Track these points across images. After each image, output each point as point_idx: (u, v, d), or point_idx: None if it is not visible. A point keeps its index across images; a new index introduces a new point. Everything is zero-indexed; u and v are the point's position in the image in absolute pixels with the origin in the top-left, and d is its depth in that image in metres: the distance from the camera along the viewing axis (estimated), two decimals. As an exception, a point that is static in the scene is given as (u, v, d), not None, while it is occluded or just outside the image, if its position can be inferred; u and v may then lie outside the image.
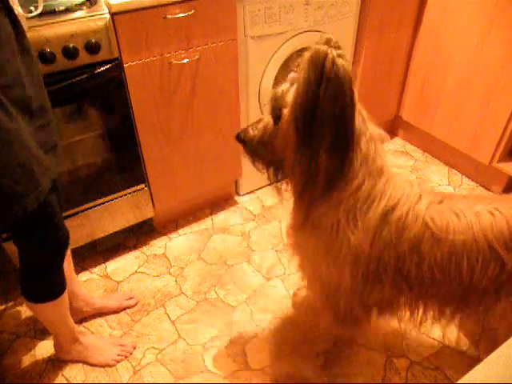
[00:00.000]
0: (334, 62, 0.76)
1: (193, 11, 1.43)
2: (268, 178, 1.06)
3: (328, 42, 0.82)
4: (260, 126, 0.99)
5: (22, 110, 0.93)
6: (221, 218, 1.99)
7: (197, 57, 1.53)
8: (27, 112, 0.95)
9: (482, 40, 1.85)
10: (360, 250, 0.96)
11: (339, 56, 0.77)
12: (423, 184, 1.00)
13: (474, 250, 0.93)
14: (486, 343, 1.45)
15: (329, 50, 0.76)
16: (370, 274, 1.00)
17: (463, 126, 2.06)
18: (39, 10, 1.19)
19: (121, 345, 1.44)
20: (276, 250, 1.82)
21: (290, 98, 0.88)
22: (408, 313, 1.13)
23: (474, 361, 1.39)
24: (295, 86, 0.85)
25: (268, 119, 0.97)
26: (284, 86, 0.91)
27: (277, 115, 0.93)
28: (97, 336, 1.48)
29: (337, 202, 0.94)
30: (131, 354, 1.44)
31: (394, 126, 2.53)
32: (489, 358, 0.51)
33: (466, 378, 0.49)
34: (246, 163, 1.97)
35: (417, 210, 0.95)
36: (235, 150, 1.87)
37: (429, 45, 2.09)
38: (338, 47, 0.80)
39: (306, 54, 0.79)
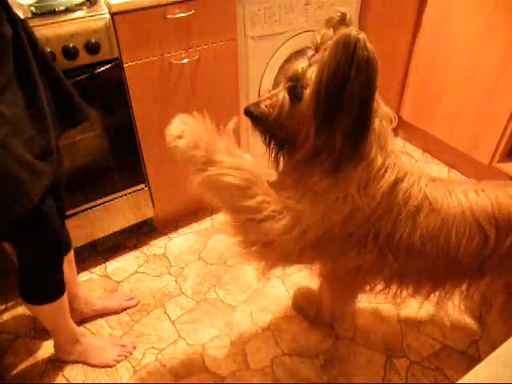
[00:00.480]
0: (365, 47, 0.78)
1: (193, 11, 1.43)
2: (269, 152, 1.05)
3: (343, 18, 0.86)
4: (275, 103, 0.95)
5: (19, 114, 0.92)
6: (221, 218, 1.99)
7: (197, 57, 1.53)
8: (26, 116, 0.94)
9: (482, 40, 1.85)
10: (360, 211, 0.98)
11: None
12: (421, 168, 1.05)
13: (462, 223, 0.99)
14: (486, 343, 1.45)
15: (360, 35, 0.77)
16: (357, 234, 1.02)
17: (463, 126, 2.06)
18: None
19: (121, 345, 1.44)
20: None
21: (311, 77, 0.86)
22: (385, 287, 1.17)
23: (473, 361, 1.39)
24: (317, 66, 0.84)
25: (284, 97, 0.93)
26: (302, 64, 0.89)
27: (296, 95, 0.90)
28: (97, 336, 1.48)
29: (346, 176, 0.95)
30: (131, 354, 1.44)
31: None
32: (489, 357, 0.51)
33: (466, 378, 0.49)
34: (246, 163, 1.97)
35: (420, 184, 1.00)
36: (235, 150, 1.87)
37: (429, 45, 2.09)
38: (350, 23, 0.85)
39: (335, 37, 0.79)
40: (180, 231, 1.92)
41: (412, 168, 1.01)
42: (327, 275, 1.25)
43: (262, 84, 1.79)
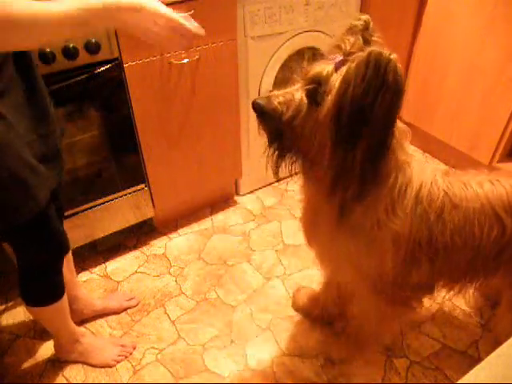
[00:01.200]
0: (396, 70, 0.75)
1: (193, 11, 1.43)
2: (270, 156, 0.96)
3: (367, 26, 0.85)
4: (290, 102, 0.88)
5: (21, 118, 0.91)
6: (221, 218, 1.99)
7: (197, 57, 1.53)
8: (28, 119, 0.93)
9: (482, 40, 1.85)
10: (401, 235, 1.00)
11: (379, 44, 0.81)
12: (431, 165, 1.08)
13: (482, 214, 1.01)
14: (486, 343, 1.45)
15: (391, 57, 0.75)
16: (409, 254, 1.04)
17: (463, 126, 2.06)
18: None
19: (121, 345, 1.44)
20: (276, 250, 1.82)
21: (336, 85, 0.81)
22: (428, 288, 1.18)
23: (473, 361, 1.39)
24: (342, 75, 0.80)
25: (302, 99, 0.87)
26: (327, 68, 0.84)
27: (316, 99, 0.85)
28: (97, 336, 1.48)
29: (374, 201, 0.96)
30: (131, 354, 1.44)
31: (394, 126, 2.53)
32: (489, 357, 0.51)
33: (466, 378, 0.49)
34: (246, 163, 1.98)
35: (437, 182, 1.02)
36: (235, 150, 1.87)
37: (429, 45, 2.09)
38: (374, 31, 0.85)
39: (366, 53, 0.76)
40: (180, 231, 1.92)
41: (425, 170, 1.02)
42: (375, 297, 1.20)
43: (262, 84, 1.79)
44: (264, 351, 1.45)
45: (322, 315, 1.50)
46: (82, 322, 1.53)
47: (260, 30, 1.65)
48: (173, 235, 1.90)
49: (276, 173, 0.99)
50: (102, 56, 1.34)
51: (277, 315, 1.56)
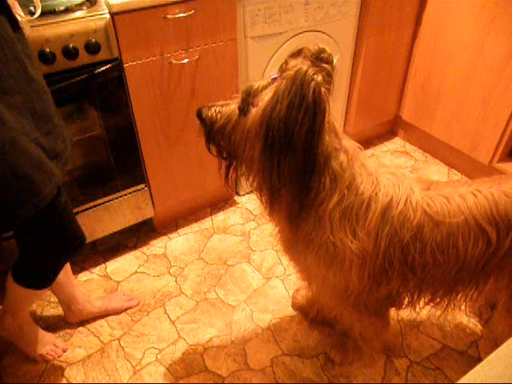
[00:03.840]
0: (317, 93, 0.76)
1: (193, 11, 1.43)
2: (218, 165, 1.04)
3: (319, 54, 0.84)
4: (224, 111, 0.94)
5: (25, 116, 0.92)
6: (221, 218, 1.99)
7: (197, 57, 1.53)
8: (31, 118, 0.94)
9: (482, 40, 1.85)
10: (365, 255, 0.99)
11: (328, 74, 0.81)
12: (405, 173, 1.05)
13: (466, 229, 1.00)
14: (486, 343, 1.45)
15: (315, 76, 0.76)
16: (377, 271, 1.03)
17: (463, 126, 2.06)
18: (38, 13, 1.18)
19: (54, 344, 1.43)
20: (276, 250, 1.82)
21: (263, 99, 0.86)
22: (407, 299, 1.18)
23: (473, 361, 1.39)
24: (272, 93, 0.83)
25: (234, 108, 0.93)
26: (262, 83, 0.89)
27: (244, 109, 0.90)
28: (40, 330, 1.43)
29: (318, 220, 0.96)
30: (60, 356, 1.43)
31: (394, 126, 2.53)
32: (489, 357, 0.51)
33: (466, 378, 0.49)
34: (246, 163, 1.98)
35: (414, 200, 0.99)
36: (235, 150, 1.87)
37: (429, 45, 2.09)
38: (328, 61, 0.82)
39: (292, 71, 0.78)
40: (180, 231, 1.92)
41: (399, 185, 1.00)
42: (356, 309, 1.21)
43: (262, 84, 1.79)
44: (264, 351, 1.45)
45: (318, 317, 1.51)
46: (81, 321, 1.53)
47: (260, 30, 1.65)
48: (173, 235, 1.90)
49: (227, 184, 1.08)
50: (101, 56, 1.34)
51: (277, 315, 1.56)
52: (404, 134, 2.48)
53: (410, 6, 2.02)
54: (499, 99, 1.86)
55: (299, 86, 0.76)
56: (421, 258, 1.01)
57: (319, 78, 0.77)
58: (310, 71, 0.76)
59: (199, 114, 0.98)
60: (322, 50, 0.86)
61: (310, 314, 1.52)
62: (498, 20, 1.77)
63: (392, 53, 2.12)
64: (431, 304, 1.19)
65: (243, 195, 2.11)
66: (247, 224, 1.96)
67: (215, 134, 0.97)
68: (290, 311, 1.57)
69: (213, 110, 0.96)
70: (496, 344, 0.51)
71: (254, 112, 0.88)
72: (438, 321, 1.52)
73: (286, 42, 1.75)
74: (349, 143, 0.95)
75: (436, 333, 1.49)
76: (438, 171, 2.25)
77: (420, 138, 2.37)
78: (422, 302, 1.18)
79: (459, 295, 1.16)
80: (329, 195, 0.93)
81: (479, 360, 0.48)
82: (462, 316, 1.53)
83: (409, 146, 2.45)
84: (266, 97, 0.85)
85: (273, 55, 1.75)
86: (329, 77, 0.85)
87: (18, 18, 0.99)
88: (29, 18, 1.13)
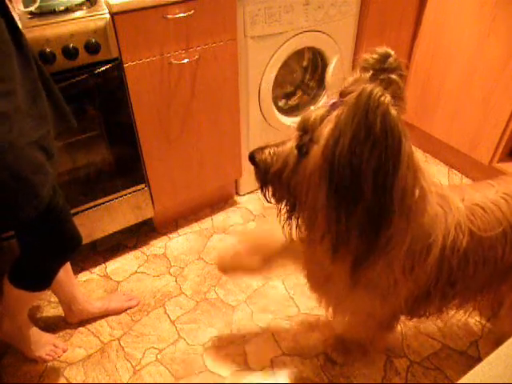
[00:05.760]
0: (385, 118, 0.61)
1: (193, 11, 1.43)
2: (277, 213, 0.93)
3: (384, 61, 0.68)
4: (280, 152, 0.82)
5: (25, 117, 0.92)
6: (221, 218, 1.99)
7: (197, 57, 1.53)
8: (32, 118, 0.94)
9: (482, 40, 1.85)
10: (417, 287, 0.98)
11: (397, 85, 0.66)
12: (445, 189, 0.97)
13: (504, 238, 0.97)
14: (486, 343, 1.45)
15: (382, 99, 0.60)
16: (421, 294, 1.02)
17: (463, 126, 2.06)
18: (36, 4, 1.17)
19: (53, 344, 1.43)
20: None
21: (323, 132, 0.71)
22: (434, 308, 1.16)
23: (473, 361, 1.39)
24: (333, 123, 0.69)
25: (292, 149, 0.79)
26: (317, 112, 0.74)
27: (303, 148, 0.76)
28: (39, 331, 1.43)
29: (388, 264, 0.88)
30: (59, 356, 1.43)
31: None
32: (489, 357, 0.51)
33: (466, 378, 0.49)
34: (246, 163, 1.97)
35: (461, 222, 0.94)
36: (235, 150, 1.87)
37: (429, 45, 2.09)
38: (396, 68, 0.68)
39: (355, 93, 0.63)
40: (180, 231, 1.92)
41: (448, 210, 0.92)
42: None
43: (262, 84, 1.79)
44: (264, 351, 1.45)
45: None
46: (81, 321, 1.53)
47: (260, 30, 1.65)
48: (173, 235, 1.90)
49: (289, 233, 0.93)
50: (101, 56, 1.34)
51: (277, 315, 1.56)
52: (404, 134, 2.48)
53: (410, 5, 2.02)
54: (499, 99, 1.86)
55: (363, 113, 0.61)
56: (463, 273, 0.99)
57: (387, 99, 0.61)
58: (376, 92, 0.60)
59: (252, 158, 0.86)
60: (387, 55, 0.72)
61: None
62: (498, 20, 1.77)
63: (392, 53, 2.12)
64: (457, 309, 1.19)
65: (243, 195, 2.11)
66: (247, 224, 1.95)
67: (272, 179, 0.85)
68: (290, 311, 1.57)
69: (267, 152, 0.84)
70: (496, 344, 0.51)
71: (315, 150, 0.73)
72: (438, 321, 1.52)
73: (286, 41, 1.75)
74: (429, 181, 0.81)
75: (436, 333, 1.49)
76: (438, 171, 2.25)
77: (420, 138, 2.37)
78: (449, 309, 1.18)
79: (482, 297, 1.16)
80: (402, 239, 0.80)
81: (479, 360, 0.48)
82: (463, 316, 1.53)
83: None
84: (326, 130, 0.71)
85: (273, 55, 1.75)
86: (399, 90, 0.71)
87: (16, 16, 0.98)
88: (26, 10, 1.12)
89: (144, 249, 1.84)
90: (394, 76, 0.73)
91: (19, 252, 1.17)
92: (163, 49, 1.45)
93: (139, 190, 1.69)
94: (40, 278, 1.20)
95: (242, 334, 1.50)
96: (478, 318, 1.52)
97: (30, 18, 1.23)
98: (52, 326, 1.53)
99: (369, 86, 0.61)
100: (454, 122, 2.09)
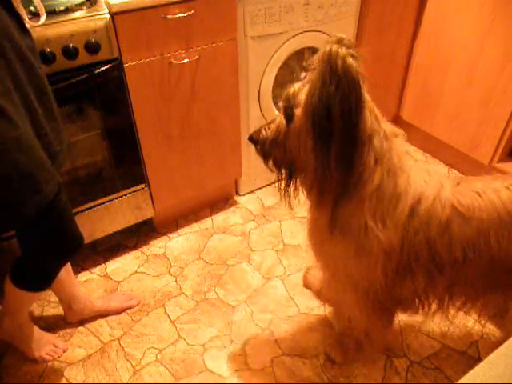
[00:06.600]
0: (344, 62, 0.77)
1: (193, 11, 1.43)
2: (278, 180, 1.06)
3: (340, 41, 0.83)
4: (273, 126, 0.99)
5: (29, 115, 0.93)
6: (221, 218, 1.99)
7: (197, 57, 1.53)
8: (34, 117, 0.95)
9: (482, 40, 1.85)
10: (391, 248, 0.98)
11: (351, 55, 0.79)
12: (437, 169, 1.03)
13: (499, 225, 0.96)
14: (486, 343, 1.45)
15: (339, 50, 0.77)
16: (402, 267, 1.02)
17: (463, 126, 2.06)
18: (42, 20, 1.17)
19: (54, 344, 1.43)
20: (276, 250, 1.82)
21: (302, 97, 0.88)
22: (435, 304, 1.16)
23: (474, 361, 1.39)
24: (308, 86, 0.85)
25: (280, 119, 0.96)
26: (296, 86, 0.91)
27: (289, 115, 0.93)
28: (39, 330, 1.43)
29: (358, 203, 0.95)
30: (60, 356, 1.43)
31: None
32: (489, 357, 0.51)
33: (466, 378, 0.49)
34: (246, 163, 1.98)
35: (443, 195, 0.98)
36: (235, 150, 1.87)
37: (429, 45, 2.09)
38: (350, 46, 0.81)
39: (319, 54, 0.80)
40: (180, 231, 1.92)
41: (430, 179, 0.99)
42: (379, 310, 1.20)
43: (262, 84, 1.79)
44: (264, 351, 1.45)
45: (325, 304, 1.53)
46: (81, 321, 1.53)
47: (260, 30, 1.65)
48: (173, 235, 1.90)
49: (287, 197, 1.06)
50: (101, 56, 1.34)
51: (277, 315, 1.56)
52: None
53: (410, 5, 2.02)
54: (499, 99, 1.86)
55: (327, 62, 0.77)
56: (449, 255, 0.99)
57: (344, 49, 0.78)
58: (335, 47, 0.78)
59: (252, 139, 1.03)
60: (342, 38, 0.86)
61: (319, 298, 1.55)
62: (498, 20, 1.77)
63: (392, 53, 2.12)
64: (464, 309, 1.15)
65: (243, 195, 2.11)
66: (247, 224, 1.95)
67: (270, 149, 1.00)
68: (290, 311, 1.57)
69: (262, 130, 1.01)
70: (496, 344, 0.51)
71: (298, 112, 0.90)
72: (438, 321, 1.52)
73: (286, 41, 1.75)
74: (388, 127, 0.96)
75: (436, 333, 1.49)
76: (437, 171, 2.25)
77: (420, 138, 2.37)
78: (453, 308, 1.15)
79: (492, 299, 1.13)
80: (371, 177, 0.92)
81: (479, 360, 0.48)
82: (463, 316, 1.53)
83: (409, 146, 2.44)
84: (303, 93, 0.88)
85: (273, 55, 1.75)
86: (354, 58, 0.84)
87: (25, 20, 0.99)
88: (33, 23, 1.13)
89: (144, 249, 1.84)
90: (350, 51, 0.86)
91: (20, 252, 1.17)
92: (163, 49, 1.45)
93: (139, 189, 1.69)
94: (41, 278, 1.20)
95: (242, 333, 1.50)
96: (477, 318, 1.52)
97: (30, 18, 1.23)
98: (52, 325, 1.53)
99: (328, 45, 0.79)
100: (454, 121, 2.09)
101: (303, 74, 0.90)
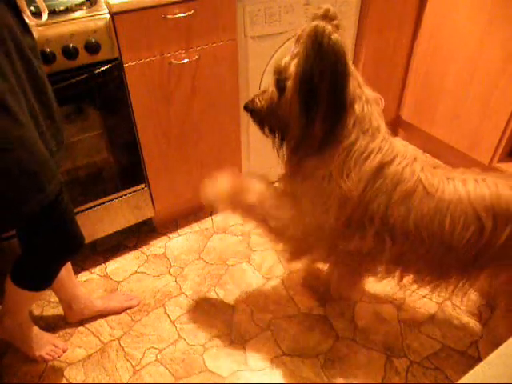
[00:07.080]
0: (329, 38, 0.87)
1: (193, 11, 1.43)
2: (272, 143, 1.15)
3: (325, 16, 0.92)
4: (266, 96, 1.07)
5: (31, 114, 0.93)
6: (221, 217, 1.99)
7: (197, 57, 1.53)
8: (35, 115, 0.95)
9: (482, 40, 1.85)
10: (348, 196, 1.02)
11: (336, 27, 0.89)
12: (418, 151, 1.10)
13: (457, 210, 1.00)
14: (486, 343, 1.45)
15: (325, 26, 0.87)
16: (354, 219, 1.06)
17: (463, 126, 2.06)
18: (44, 17, 1.17)
19: (54, 344, 1.43)
20: (276, 250, 1.82)
21: (292, 70, 0.97)
22: (387, 271, 1.21)
23: (474, 361, 1.39)
24: (297, 59, 0.94)
25: (272, 90, 1.04)
26: (286, 58, 0.99)
27: (281, 87, 1.01)
28: (40, 331, 1.43)
29: (329, 156, 1.02)
30: (59, 356, 1.43)
31: (394, 126, 2.53)
32: (489, 357, 0.51)
33: (466, 378, 0.49)
34: (246, 163, 1.98)
35: (413, 167, 1.02)
36: (235, 150, 1.87)
37: (429, 44, 2.09)
38: (334, 17, 0.92)
39: (306, 30, 0.90)
40: (180, 231, 1.92)
41: (404, 151, 1.04)
42: (334, 260, 1.29)
43: (262, 84, 1.79)
44: (264, 351, 1.45)
45: (329, 293, 1.56)
46: (81, 321, 1.53)
47: (260, 30, 1.65)
48: (173, 235, 1.90)
49: (281, 158, 1.17)
50: (101, 56, 1.34)
51: (277, 315, 1.56)
52: (404, 134, 2.48)
53: (410, 5, 2.02)
54: (499, 99, 1.86)
55: (314, 37, 0.87)
56: (403, 224, 1.02)
57: (329, 26, 0.88)
58: (320, 24, 0.87)
59: (247, 108, 1.12)
60: (328, 10, 0.95)
61: (318, 291, 1.59)
62: (497, 20, 1.77)
63: (392, 53, 2.12)
64: (419, 283, 1.19)
65: (243, 195, 2.11)
66: (247, 224, 1.95)
67: (264, 116, 1.10)
68: (290, 311, 1.57)
69: (256, 100, 1.09)
70: (496, 344, 0.51)
71: (289, 84, 0.99)
72: (438, 321, 1.52)
73: (286, 41, 1.75)
74: (371, 93, 1.03)
75: (436, 333, 1.49)
76: (438, 171, 2.25)
77: (420, 138, 2.37)
78: (407, 279, 1.20)
79: (449, 283, 1.15)
80: (347, 136, 1.00)
81: (479, 360, 0.48)
82: (463, 316, 1.53)
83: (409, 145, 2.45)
84: (293, 65, 0.97)
85: (273, 55, 1.75)
86: (337, 29, 0.93)
87: (27, 20, 1.00)
88: (37, 21, 1.13)
89: (144, 249, 1.84)
90: (334, 21, 0.94)
91: (21, 251, 1.17)
92: (163, 49, 1.45)
93: (139, 190, 1.69)
94: (41, 278, 1.20)
95: (242, 333, 1.50)
96: (478, 319, 1.52)
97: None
98: (52, 325, 1.53)
99: (314, 22, 0.88)
100: (454, 122, 2.09)
101: (292, 48, 0.98)
